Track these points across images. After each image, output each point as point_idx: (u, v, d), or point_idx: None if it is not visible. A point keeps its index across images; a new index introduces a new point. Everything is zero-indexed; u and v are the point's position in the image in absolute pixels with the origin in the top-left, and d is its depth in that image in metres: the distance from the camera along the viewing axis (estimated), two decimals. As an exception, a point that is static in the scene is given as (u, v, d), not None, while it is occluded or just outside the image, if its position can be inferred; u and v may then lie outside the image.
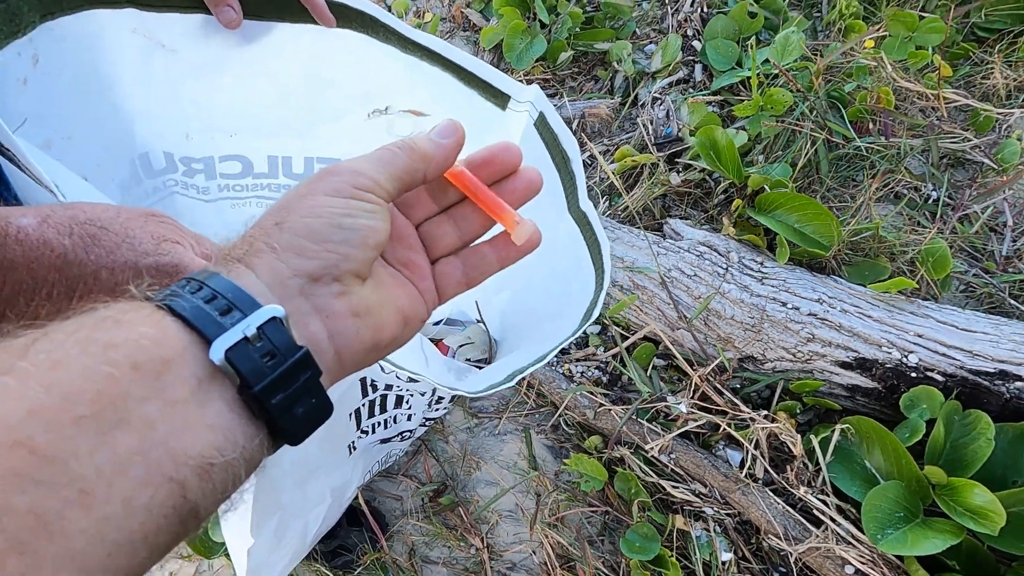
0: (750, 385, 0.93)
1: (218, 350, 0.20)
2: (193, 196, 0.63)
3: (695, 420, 0.90)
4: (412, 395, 0.88)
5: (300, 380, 0.21)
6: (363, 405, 0.80)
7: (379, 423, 0.87)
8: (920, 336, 0.82)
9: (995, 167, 1.12)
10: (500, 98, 0.52)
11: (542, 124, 0.50)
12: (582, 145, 1.34)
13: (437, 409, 0.96)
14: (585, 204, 0.50)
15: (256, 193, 0.63)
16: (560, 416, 1.02)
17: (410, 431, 0.94)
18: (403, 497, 1.05)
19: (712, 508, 0.85)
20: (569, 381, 1.03)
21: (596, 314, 0.51)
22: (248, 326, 0.20)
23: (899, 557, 0.72)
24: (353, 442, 0.81)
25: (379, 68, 0.54)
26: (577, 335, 0.51)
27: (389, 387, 0.82)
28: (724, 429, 0.88)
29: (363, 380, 0.77)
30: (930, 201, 1.14)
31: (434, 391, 0.87)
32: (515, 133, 0.54)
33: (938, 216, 1.09)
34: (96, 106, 0.49)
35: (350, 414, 0.77)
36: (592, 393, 0.99)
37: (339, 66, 0.55)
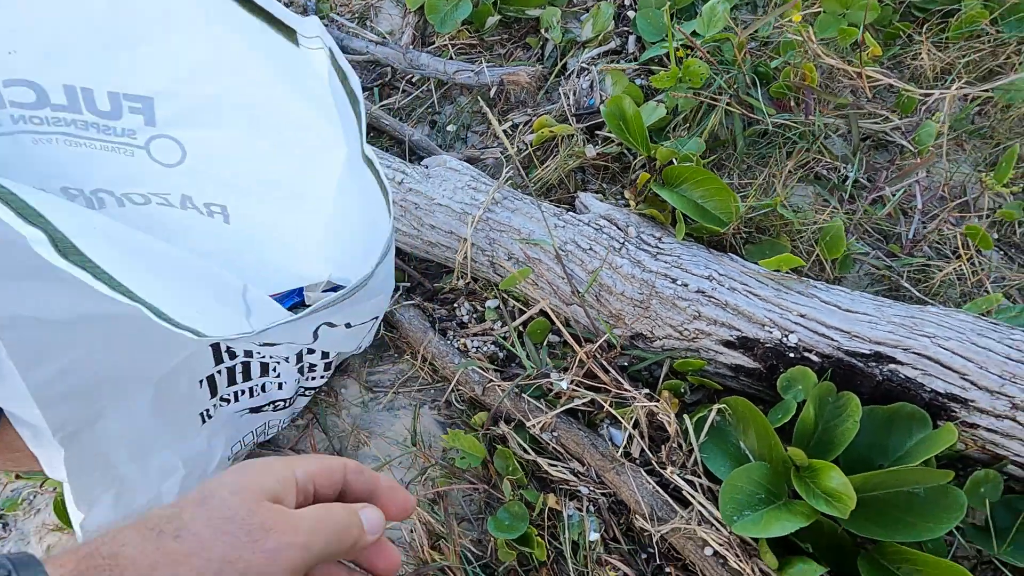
0: (639, 363, 0.91)
1: None
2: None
3: (581, 397, 0.88)
4: (279, 363, 0.84)
5: None
6: (217, 372, 0.75)
7: (243, 391, 0.83)
8: (802, 316, 0.80)
9: (912, 149, 1.10)
10: (289, 32, 0.47)
11: (332, 61, 0.46)
12: (505, 115, 1.30)
13: (313, 378, 0.93)
14: (368, 149, 0.46)
15: (61, 129, 0.57)
16: (452, 392, 0.99)
17: (285, 400, 0.90)
18: (289, 471, 1.02)
19: (588, 487, 0.83)
20: (463, 356, 1.00)
21: (388, 255, 0.48)
22: None
23: (755, 539, 0.71)
24: (208, 410, 0.77)
25: None
26: (368, 279, 0.49)
27: (250, 354, 0.78)
28: (607, 409, 0.85)
29: (216, 346, 0.72)
30: (846, 182, 1.11)
31: (300, 356, 0.83)
32: (321, 72, 0.50)
33: (847, 197, 1.06)
34: None
35: (200, 381, 0.73)
36: (484, 369, 0.96)
37: None
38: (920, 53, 1.22)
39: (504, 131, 1.26)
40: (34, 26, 0.51)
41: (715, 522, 0.73)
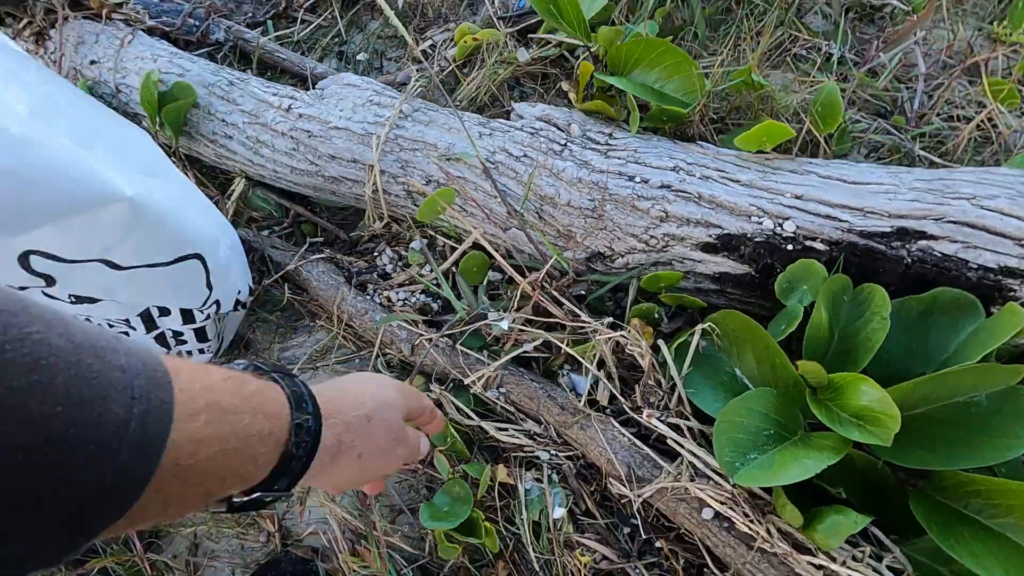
0: (599, 288, 0.72)
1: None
2: None
3: (530, 340, 0.69)
4: (124, 331, 0.64)
5: (308, 458, 0.31)
6: None
7: None
8: (798, 198, 0.61)
9: (904, 8, 0.92)
10: None
11: None
12: (423, 33, 1.09)
13: (185, 351, 0.73)
14: None
15: None
16: (379, 357, 0.80)
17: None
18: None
19: (548, 451, 0.64)
20: (388, 311, 0.81)
21: None
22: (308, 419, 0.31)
23: (768, 490, 0.52)
24: None
25: None
26: None
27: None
28: (564, 350, 0.66)
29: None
30: (831, 60, 0.92)
31: (150, 319, 0.64)
32: None
33: (834, 70, 0.88)
34: None
35: None
36: (411, 323, 0.77)
37: None
38: (900, -95, 1.03)
39: (423, 51, 1.06)
40: None
41: (712, 474, 0.54)
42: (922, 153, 0.74)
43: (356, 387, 0.37)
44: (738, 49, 0.90)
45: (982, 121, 0.75)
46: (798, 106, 0.76)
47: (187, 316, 0.69)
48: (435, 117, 0.80)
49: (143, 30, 1.01)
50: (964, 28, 0.92)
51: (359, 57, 1.12)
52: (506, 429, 0.66)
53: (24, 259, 0.52)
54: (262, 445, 0.28)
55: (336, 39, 1.14)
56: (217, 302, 0.70)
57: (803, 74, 0.88)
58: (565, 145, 0.73)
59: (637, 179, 0.68)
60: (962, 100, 0.84)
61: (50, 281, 0.56)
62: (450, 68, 0.99)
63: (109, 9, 1.01)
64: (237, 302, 0.76)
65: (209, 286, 0.68)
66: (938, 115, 0.83)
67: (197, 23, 1.07)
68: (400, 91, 0.88)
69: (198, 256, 0.63)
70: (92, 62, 0.98)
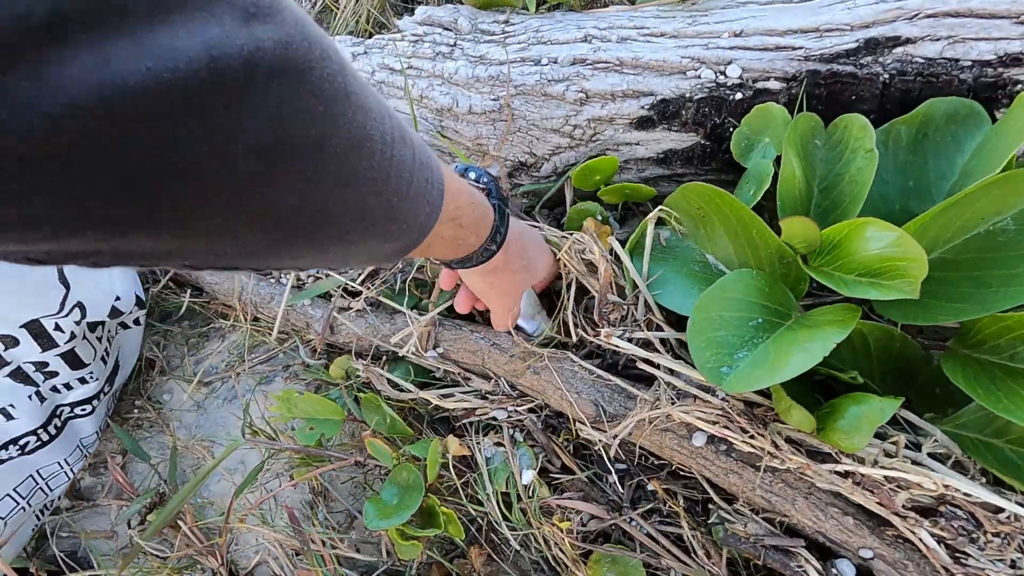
0: (534, 200, 0.60)
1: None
2: None
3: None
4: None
5: (506, 222, 0.44)
6: None
7: None
8: (738, 35, 0.49)
9: None
10: None
11: None
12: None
13: (65, 387, 0.61)
14: None
15: None
16: (300, 345, 0.68)
17: (35, 433, 0.58)
18: (117, 532, 0.71)
19: (504, 408, 0.53)
20: (299, 290, 0.68)
21: None
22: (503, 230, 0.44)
23: (766, 393, 0.42)
24: None
25: None
26: None
27: None
28: (500, 283, 0.55)
29: None
30: None
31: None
32: None
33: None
34: None
35: None
36: (328, 296, 0.65)
37: None
38: None
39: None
40: None
41: (697, 391, 0.43)
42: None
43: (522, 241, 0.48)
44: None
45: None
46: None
47: (42, 338, 0.56)
48: (298, 48, 0.66)
49: None
50: None
51: None
52: (451, 395, 0.55)
53: None
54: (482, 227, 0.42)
55: None
56: (80, 305, 0.57)
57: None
58: (455, 45, 0.60)
59: (543, 61, 0.55)
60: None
61: None
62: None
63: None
64: (117, 311, 0.63)
65: (64, 282, 0.54)
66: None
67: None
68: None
69: None
70: None
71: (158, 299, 0.77)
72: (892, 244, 0.36)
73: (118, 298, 0.63)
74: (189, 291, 0.77)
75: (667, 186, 0.57)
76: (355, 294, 0.65)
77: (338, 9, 0.80)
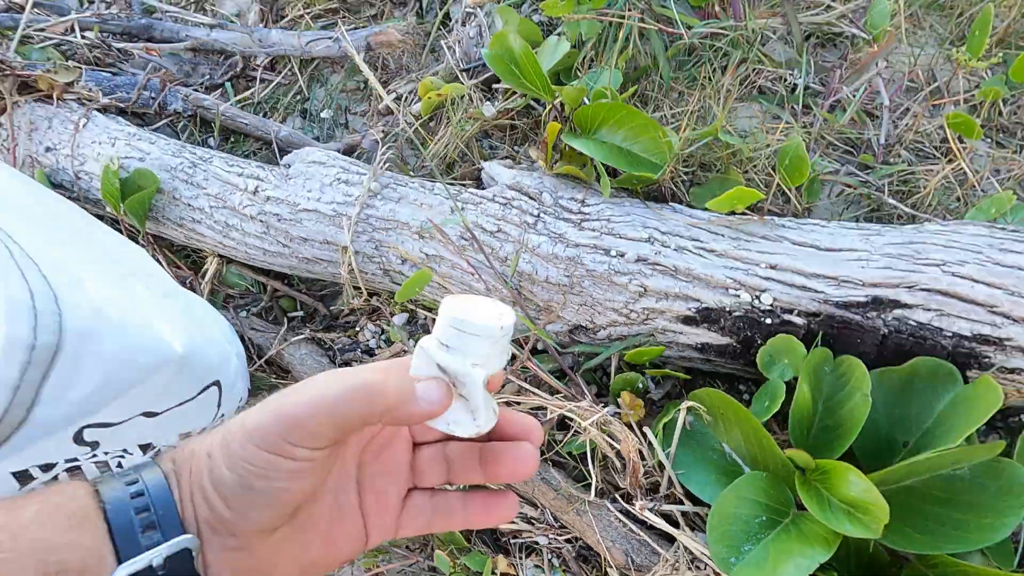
0: (587, 360, 0.72)
1: (122, 572, 0.23)
2: None
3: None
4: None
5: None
6: None
7: None
8: (773, 268, 0.62)
9: (865, 37, 0.92)
10: None
11: None
12: (385, 85, 1.08)
13: None
14: None
15: None
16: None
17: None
18: None
19: (546, 536, 0.64)
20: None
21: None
22: (158, 555, 0.24)
23: None
24: None
25: None
26: None
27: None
28: (548, 427, 0.67)
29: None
30: (795, 91, 0.92)
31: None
32: None
33: (800, 108, 0.88)
34: None
35: None
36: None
37: None
38: (853, -76, 1.03)
39: (381, 109, 1.04)
40: None
41: (710, 561, 0.55)
42: (891, 202, 0.74)
43: None
44: (703, 92, 0.90)
45: (945, 160, 0.76)
46: (767, 161, 0.76)
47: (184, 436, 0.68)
48: (405, 193, 0.79)
49: (97, 109, 0.98)
50: (924, 53, 0.92)
51: (323, 115, 1.10)
52: (502, 514, 0.67)
53: (79, 434, 0.50)
54: None
55: (298, 96, 1.12)
56: (223, 416, 0.69)
57: (770, 116, 0.88)
58: (538, 216, 0.73)
59: (613, 252, 0.67)
60: (928, 130, 0.85)
61: (95, 446, 0.54)
62: (416, 126, 0.98)
63: (60, 90, 0.98)
64: (238, 408, 0.75)
65: (219, 405, 0.67)
66: (905, 148, 0.84)
67: (153, 95, 1.04)
68: (367, 162, 0.87)
69: (216, 383, 0.62)
70: (47, 149, 0.95)
71: (250, 375, 0.89)
72: (864, 491, 0.47)
73: (241, 399, 0.75)
74: (276, 371, 0.89)
75: (701, 365, 0.69)
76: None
77: (432, 141, 0.94)
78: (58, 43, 1.05)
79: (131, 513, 0.24)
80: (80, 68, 1.01)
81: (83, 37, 1.06)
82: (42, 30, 1.04)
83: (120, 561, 0.23)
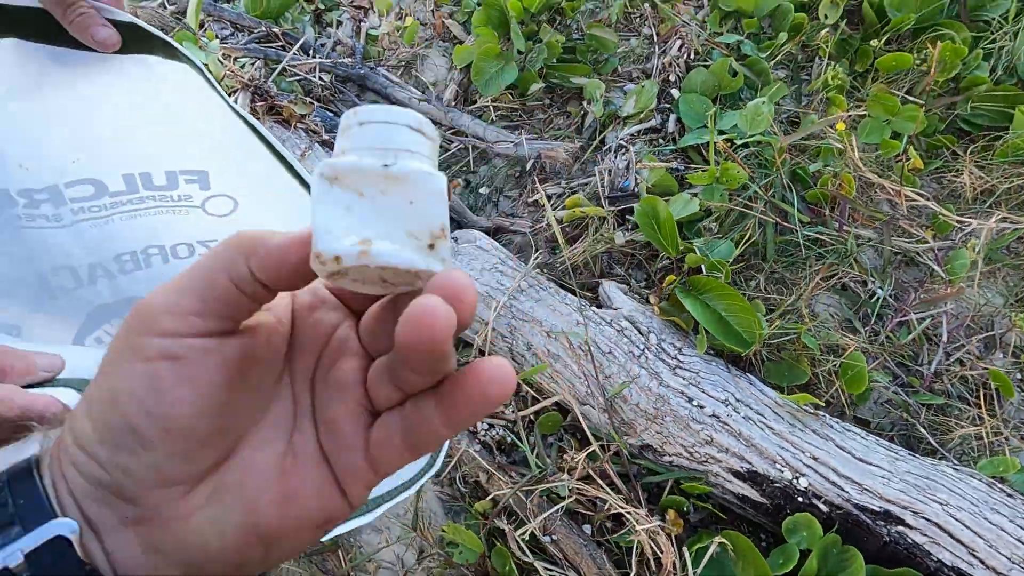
0: (648, 475, 0.91)
1: None
2: (43, 226, 0.59)
3: (584, 503, 0.88)
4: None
5: None
6: None
7: None
8: (815, 459, 0.80)
9: (943, 276, 1.09)
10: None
11: None
12: (542, 182, 1.30)
13: None
14: None
15: (118, 209, 0.59)
16: (457, 472, 1.00)
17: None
18: None
19: (581, 599, 0.83)
20: (472, 436, 1.01)
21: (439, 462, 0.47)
22: (11, 554, 0.18)
23: None
24: None
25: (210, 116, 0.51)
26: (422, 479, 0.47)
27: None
28: (605, 517, 0.86)
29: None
30: (874, 299, 1.10)
31: None
32: None
33: (874, 317, 1.06)
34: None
35: None
36: (490, 451, 0.97)
37: (177, 104, 0.52)
38: (962, 171, 1.21)
39: (536, 201, 1.27)
40: (89, 136, 0.53)
41: (705, 664, 0.73)
42: (923, 432, 0.92)
43: None
44: (797, 286, 1.09)
45: (976, 417, 0.93)
46: (832, 365, 0.94)
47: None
48: (544, 296, 1.00)
49: (319, 142, 1.24)
50: (989, 304, 1.09)
51: (481, 189, 1.33)
52: (552, 571, 0.86)
53: None
54: None
55: (464, 167, 1.36)
56: None
57: (845, 320, 1.07)
58: (643, 351, 0.93)
59: (695, 403, 0.87)
60: (972, 373, 1.01)
61: None
62: (557, 227, 1.20)
63: (296, 119, 1.24)
64: None
65: None
66: (950, 383, 1.00)
67: (359, 139, 1.29)
68: (505, 238, 1.09)
69: None
70: (275, 164, 1.21)
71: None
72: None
73: None
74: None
75: (735, 508, 0.87)
76: (506, 453, 0.97)
77: (567, 251, 1.15)
78: (301, 79, 1.32)
79: None
80: (313, 104, 1.27)
81: (320, 78, 1.32)
82: (294, 65, 1.30)
83: None
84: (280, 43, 1.39)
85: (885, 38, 1.34)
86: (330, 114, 1.29)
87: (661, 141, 1.33)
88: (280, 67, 1.26)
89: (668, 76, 1.41)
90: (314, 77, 1.32)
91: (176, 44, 0.50)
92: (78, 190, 0.57)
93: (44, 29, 0.46)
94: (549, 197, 1.27)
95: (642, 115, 1.34)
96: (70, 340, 0.66)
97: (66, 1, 0.44)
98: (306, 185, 0.54)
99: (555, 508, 0.89)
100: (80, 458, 0.19)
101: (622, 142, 1.30)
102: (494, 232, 1.24)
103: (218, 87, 0.50)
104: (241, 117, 0.51)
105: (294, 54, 1.30)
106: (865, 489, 0.77)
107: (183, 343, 0.19)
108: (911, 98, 1.28)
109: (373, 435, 0.22)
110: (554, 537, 0.88)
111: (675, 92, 1.37)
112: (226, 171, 0.60)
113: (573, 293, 1.08)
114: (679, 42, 1.45)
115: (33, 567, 0.18)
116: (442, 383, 0.21)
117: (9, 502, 0.18)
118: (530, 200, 1.29)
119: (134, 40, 0.48)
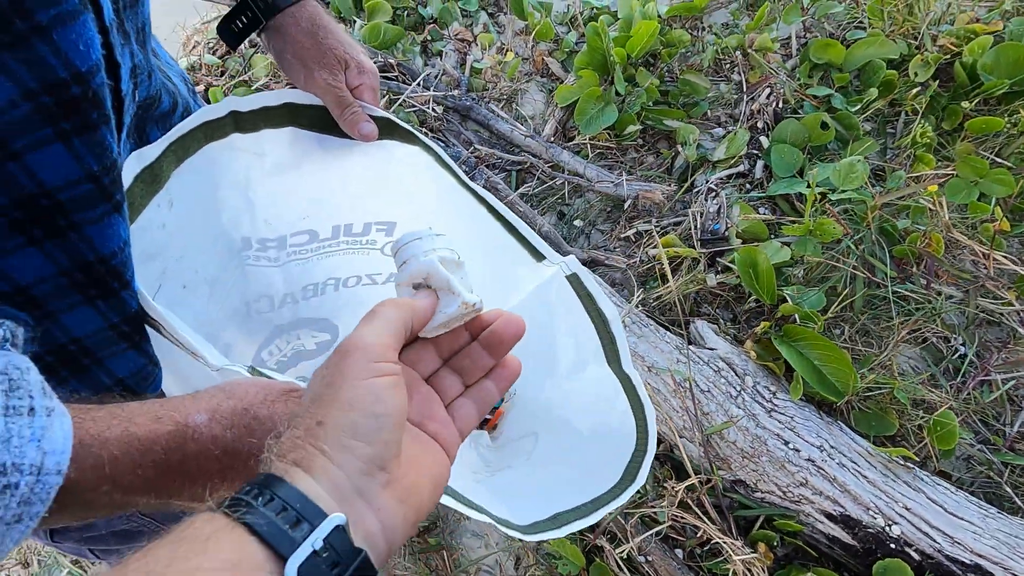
0: (740, 508, 0.98)
1: (292, 568, 0.23)
2: (264, 265, 0.70)
3: (681, 530, 0.95)
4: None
5: None
6: None
7: None
8: (907, 509, 0.86)
9: (1028, 340, 1.13)
10: (536, 253, 0.56)
11: (576, 282, 0.54)
12: (631, 221, 1.38)
13: None
14: (629, 368, 0.53)
15: (320, 251, 0.70)
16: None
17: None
18: None
19: (675, 619, 0.91)
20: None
21: (642, 479, 0.50)
22: (316, 539, 0.23)
23: None
24: None
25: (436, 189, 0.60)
26: (621, 500, 0.48)
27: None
28: (697, 543, 0.93)
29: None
30: (956, 356, 1.15)
31: None
32: (548, 276, 0.58)
33: (961, 374, 1.11)
34: (209, 222, 0.56)
35: None
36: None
37: (399, 174, 0.62)
38: (1049, 236, 1.25)
39: (629, 237, 1.35)
40: (322, 199, 0.64)
41: None
42: (1008, 491, 0.96)
43: None
44: (882, 340, 1.14)
45: (1062, 481, 0.97)
46: (920, 419, 1.00)
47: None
48: (646, 333, 1.08)
49: (432, 171, 1.34)
50: (1073, 370, 1.13)
51: (575, 222, 1.42)
52: (647, 591, 0.93)
53: None
54: None
55: (559, 199, 1.45)
56: None
57: (929, 376, 1.12)
58: (740, 392, 1.00)
59: (791, 446, 0.93)
60: (1054, 435, 1.05)
61: None
62: (648, 264, 1.27)
63: (412, 148, 1.34)
64: None
65: None
66: (1031, 443, 1.05)
67: (467, 169, 1.39)
68: (599, 270, 1.17)
69: None
70: (393, 189, 1.31)
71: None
72: None
73: None
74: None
75: (825, 548, 0.93)
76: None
77: (662, 286, 1.23)
78: (417, 110, 1.43)
79: (272, 516, 0.23)
80: (428, 134, 1.38)
81: (433, 110, 1.43)
82: (412, 97, 1.41)
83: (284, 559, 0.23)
84: (394, 73, 1.51)
85: (976, 100, 1.39)
86: (440, 143, 1.40)
87: (748, 186, 1.39)
88: (401, 99, 1.37)
89: (756, 123, 1.48)
90: (428, 108, 1.43)
91: (415, 131, 0.59)
92: (298, 239, 0.69)
93: (318, 122, 0.56)
94: (640, 233, 1.35)
95: (732, 161, 1.40)
96: (253, 353, 0.77)
97: (344, 102, 0.53)
98: (513, 232, 0.58)
99: (652, 531, 0.96)
100: (352, 444, 0.26)
101: (712, 186, 1.37)
102: (589, 264, 1.32)
103: (451, 164, 0.58)
104: (464, 185, 0.59)
105: (413, 87, 1.41)
106: (956, 542, 0.83)
107: (393, 368, 0.29)
108: (1000, 160, 1.32)
109: (454, 413, 0.34)
110: (649, 558, 0.95)
111: (763, 139, 1.43)
112: (417, 222, 0.70)
113: (667, 329, 1.16)
114: (768, 90, 1.52)
115: (328, 549, 0.23)
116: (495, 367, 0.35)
117: (289, 507, 0.24)
118: (622, 235, 1.38)
119: (382, 128, 0.58)
